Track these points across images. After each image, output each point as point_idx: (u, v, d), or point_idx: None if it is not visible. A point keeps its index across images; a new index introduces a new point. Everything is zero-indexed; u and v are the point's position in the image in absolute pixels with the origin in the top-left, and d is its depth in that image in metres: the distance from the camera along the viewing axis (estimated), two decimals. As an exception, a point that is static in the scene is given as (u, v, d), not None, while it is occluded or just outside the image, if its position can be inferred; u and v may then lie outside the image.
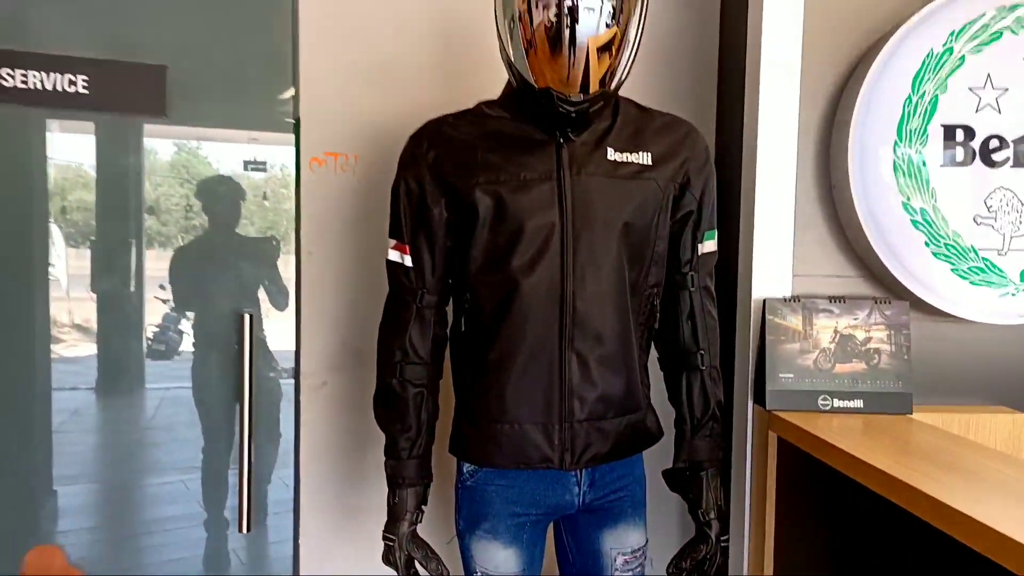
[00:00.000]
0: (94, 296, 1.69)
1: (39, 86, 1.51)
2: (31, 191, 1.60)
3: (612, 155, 1.33)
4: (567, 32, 1.20)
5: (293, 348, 1.74)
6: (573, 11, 1.19)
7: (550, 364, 1.32)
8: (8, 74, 1.48)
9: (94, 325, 1.70)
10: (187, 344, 1.76)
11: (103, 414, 1.78)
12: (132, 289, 1.72)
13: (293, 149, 1.70)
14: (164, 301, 1.82)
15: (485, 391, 1.35)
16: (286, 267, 1.75)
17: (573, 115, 1.26)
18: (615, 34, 1.24)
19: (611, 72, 1.26)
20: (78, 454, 1.77)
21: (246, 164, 1.77)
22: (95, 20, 1.57)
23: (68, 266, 1.69)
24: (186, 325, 1.79)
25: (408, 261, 1.39)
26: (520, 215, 1.30)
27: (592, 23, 1.21)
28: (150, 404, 1.82)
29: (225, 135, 1.74)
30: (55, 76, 1.51)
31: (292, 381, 1.76)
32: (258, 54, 1.68)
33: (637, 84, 1.41)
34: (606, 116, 1.36)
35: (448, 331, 1.45)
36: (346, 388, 1.76)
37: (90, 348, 1.72)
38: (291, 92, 1.69)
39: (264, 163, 1.76)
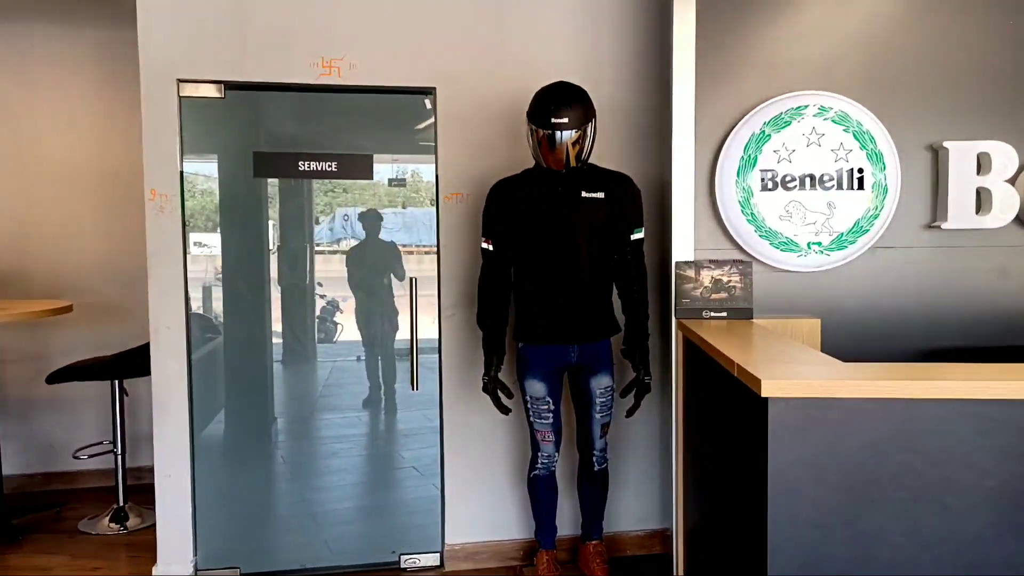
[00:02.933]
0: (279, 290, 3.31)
1: (315, 168, 3.15)
2: (303, 216, 3.25)
3: (584, 194, 2.83)
4: (556, 139, 2.70)
5: (436, 293, 3.31)
6: (556, 131, 2.69)
7: (558, 294, 2.82)
8: (302, 163, 3.13)
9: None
10: (343, 335, 3.31)
11: (288, 378, 3.36)
12: (308, 282, 3.31)
13: (432, 175, 3.27)
14: (322, 296, 3.38)
15: (527, 308, 2.88)
16: (423, 259, 3.31)
17: (562, 177, 2.77)
18: (579, 135, 2.73)
19: (580, 154, 2.76)
20: (277, 400, 3.35)
21: (390, 181, 3.35)
22: (334, 135, 3.19)
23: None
24: (340, 317, 3.35)
25: (491, 247, 2.93)
26: (540, 226, 2.81)
27: (567, 133, 2.71)
28: (322, 373, 3.37)
29: (377, 158, 3.31)
30: (324, 163, 3.15)
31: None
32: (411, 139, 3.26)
33: (615, 146, 2.89)
34: (582, 176, 2.85)
35: (511, 282, 2.98)
36: (465, 316, 3.31)
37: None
38: (428, 123, 3.25)
39: (404, 180, 3.34)
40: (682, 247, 3.00)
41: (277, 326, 3.28)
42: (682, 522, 3.00)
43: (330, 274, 3.34)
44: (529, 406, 2.93)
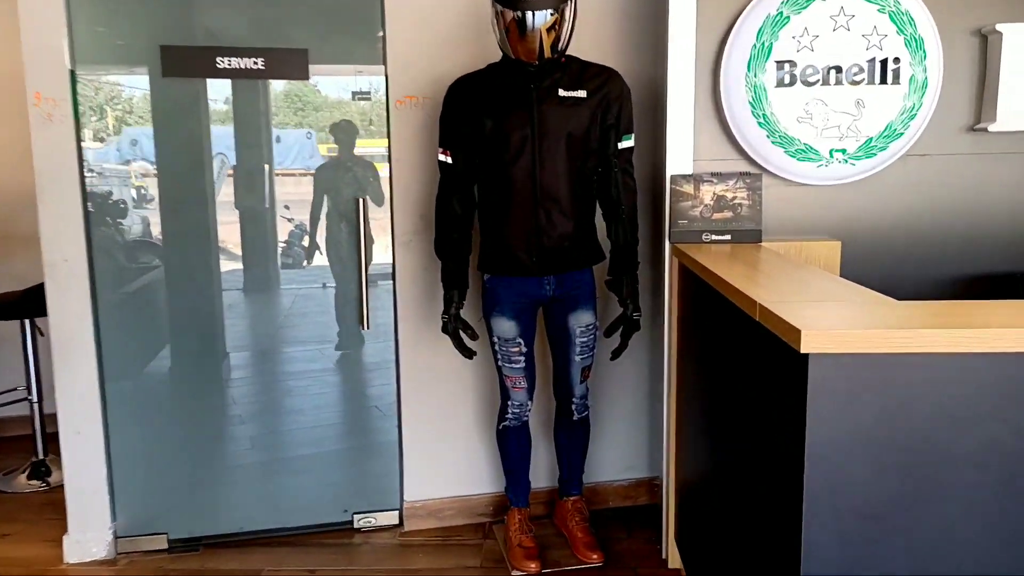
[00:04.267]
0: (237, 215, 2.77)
1: (238, 66, 2.60)
2: (201, 133, 2.70)
3: (562, 93, 2.31)
4: (527, 23, 2.17)
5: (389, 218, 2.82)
6: (527, 11, 2.15)
7: (528, 215, 2.34)
8: (220, 60, 2.58)
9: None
10: (316, 259, 2.83)
11: (250, 308, 2.88)
12: (267, 206, 2.79)
13: (381, 84, 2.73)
14: (289, 220, 2.86)
15: (494, 232, 2.40)
16: (384, 171, 2.82)
17: (534, 72, 2.25)
18: (555, 18, 2.19)
19: (556, 43, 2.23)
20: (236, 333, 2.87)
21: (354, 95, 2.82)
22: (262, 25, 2.63)
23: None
24: (307, 241, 2.83)
25: (450, 160, 2.43)
26: (507, 131, 2.31)
27: (541, 15, 2.17)
28: (286, 301, 2.89)
29: (336, 70, 2.77)
30: (246, 60, 2.60)
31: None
32: (359, 32, 2.71)
33: (606, 40, 2.36)
34: (559, 69, 2.33)
35: (475, 200, 2.49)
36: (422, 243, 2.83)
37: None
38: (381, 33, 2.69)
39: (368, 92, 2.81)
40: (678, 158, 2.51)
41: (235, 252, 2.82)
42: (673, 473, 2.61)
43: (301, 196, 2.86)
44: (497, 348, 2.49)
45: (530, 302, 2.46)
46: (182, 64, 2.58)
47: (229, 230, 2.81)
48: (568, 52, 2.33)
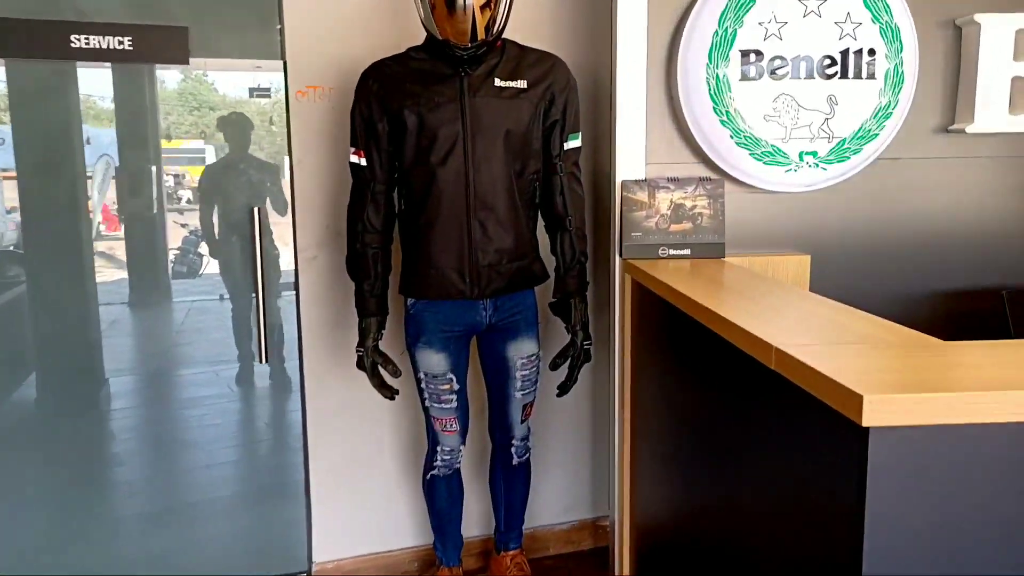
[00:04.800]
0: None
1: (98, 45, 2.11)
2: (70, 127, 2.20)
3: (498, 83, 1.94)
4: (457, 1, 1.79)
5: (291, 230, 2.39)
6: None
7: (460, 227, 1.96)
8: (76, 38, 2.09)
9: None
10: (209, 267, 2.37)
11: (139, 323, 2.41)
12: (155, 211, 2.32)
13: (269, 76, 2.30)
14: (183, 226, 2.40)
15: (418, 248, 2.00)
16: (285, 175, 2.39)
17: (466, 57, 1.87)
18: (491, -2, 1.83)
19: (493, 21, 1.86)
20: (119, 353, 2.38)
21: (251, 91, 2.37)
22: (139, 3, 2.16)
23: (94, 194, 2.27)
24: (204, 248, 2.40)
25: (363, 162, 2.02)
26: (434, 126, 1.92)
27: (474, -9, 1.80)
28: (178, 315, 2.41)
29: (231, 64, 2.32)
30: (109, 39, 2.12)
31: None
32: (253, 10, 2.27)
33: (538, 22, 1.99)
34: (495, 55, 1.96)
35: (395, 210, 2.09)
36: (330, 259, 2.41)
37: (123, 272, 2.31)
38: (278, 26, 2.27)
39: (268, 89, 2.37)
40: (629, 161, 2.18)
41: (119, 261, 2.33)
42: (628, 513, 2.28)
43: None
44: (424, 386, 2.10)
45: (463, 330, 2.08)
46: (23, 41, 2.08)
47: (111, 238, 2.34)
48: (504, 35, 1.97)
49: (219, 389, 2.52)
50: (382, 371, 2.11)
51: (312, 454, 2.46)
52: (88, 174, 2.24)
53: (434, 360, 2.06)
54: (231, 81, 2.32)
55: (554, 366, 2.13)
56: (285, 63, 2.28)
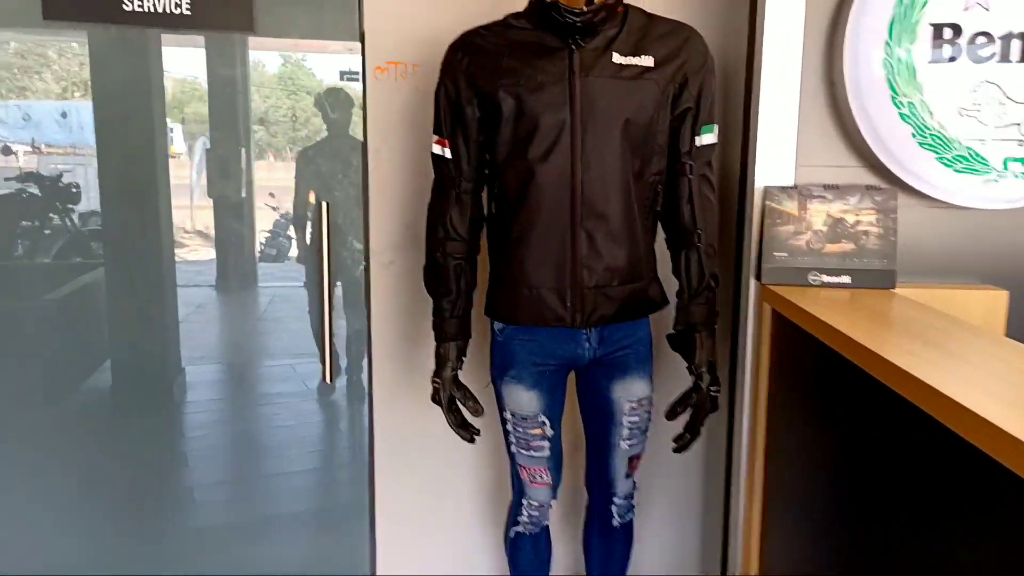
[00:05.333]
0: (211, 203, 2.00)
1: (152, 9, 1.82)
2: (152, 105, 1.94)
3: (617, 59, 1.55)
4: (572, -49, 1.41)
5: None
6: None
7: (562, 238, 1.58)
8: (128, 1, 1.81)
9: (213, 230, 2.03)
10: (295, 249, 2.09)
11: (222, 308, 2.15)
12: (244, 195, 2.03)
13: (359, 58, 1.97)
14: (274, 208, 2.12)
15: (510, 261, 1.63)
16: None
17: (579, 24, 1.48)
18: (616, -50, 1.44)
19: None
20: (204, 339, 2.14)
21: (342, 75, 2.05)
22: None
23: (192, 175, 2.02)
24: (293, 231, 2.13)
25: (448, 153, 1.66)
26: (536, 112, 1.54)
27: (594, -58, 1.42)
28: (262, 300, 2.15)
29: (324, 46, 2.01)
30: (164, 1, 1.82)
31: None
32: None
33: None
34: (614, 24, 1.56)
35: (483, 213, 1.73)
36: (409, 264, 2.07)
37: (210, 252, 2.04)
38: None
39: (358, 73, 2.04)
40: (774, 163, 1.75)
41: (202, 246, 2.08)
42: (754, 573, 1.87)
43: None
44: (510, 427, 1.73)
45: (560, 364, 1.69)
46: (69, 4, 1.80)
47: (202, 220, 2.10)
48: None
49: (295, 386, 2.22)
50: (461, 407, 1.75)
51: (380, 481, 2.14)
52: (172, 154, 2.00)
53: (524, 398, 1.68)
54: (323, 63, 2.01)
55: (672, 415, 1.72)
56: (363, 34, 1.95)
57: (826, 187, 1.70)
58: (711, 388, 1.68)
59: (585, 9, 1.45)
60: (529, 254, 1.60)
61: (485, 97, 1.59)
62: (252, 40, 1.92)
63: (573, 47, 1.54)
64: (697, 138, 1.62)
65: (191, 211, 2.05)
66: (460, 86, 1.62)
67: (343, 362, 2.09)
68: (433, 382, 1.74)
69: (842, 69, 1.66)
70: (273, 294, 2.22)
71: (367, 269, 2.07)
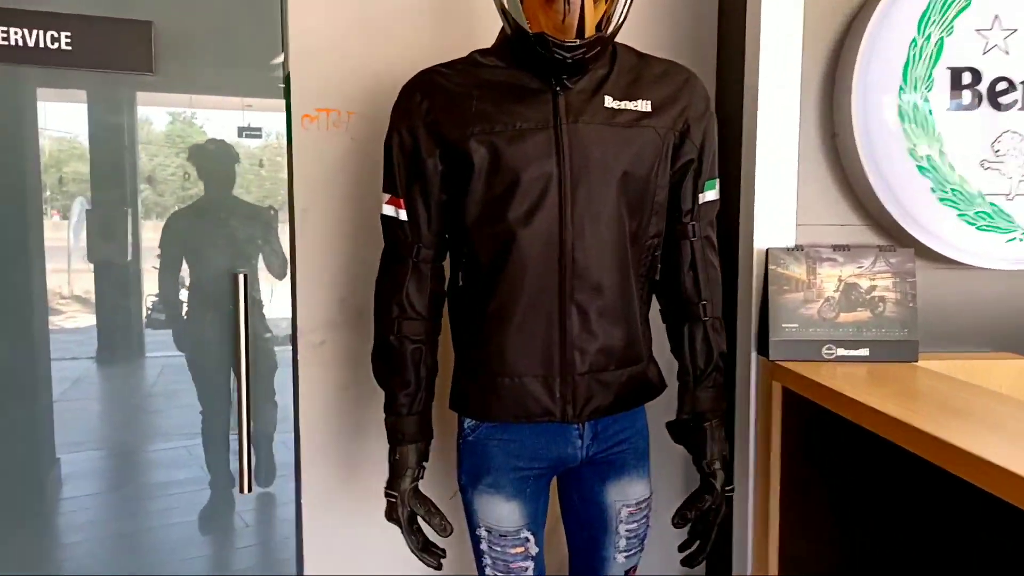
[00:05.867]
0: (91, 267, 1.68)
1: (20, 43, 1.47)
2: (24, 162, 1.57)
3: (610, 103, 1.30)
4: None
5: (290, 306, 1.72)
6: None
7: (549, 316, 1.30)
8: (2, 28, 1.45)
9: (93, 296, 1.69)
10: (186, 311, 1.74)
11: (104, 383, 1.78)
12: (130, 259, 1.71)
13: (283, 103, 1.66)
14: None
15: (484, 344, 1.33)
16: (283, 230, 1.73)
17: (569, 61, 1.23)
18: (612, -24, 1.21)
19: (607, 16, 1.24)
20: (81, 421, 1.75)
21: (240, 131, 1.73)
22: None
23: (69, 237, 1.66)
24: (184, 294, 1.78)
25: (403, 215, 1.36)
26: (516, 165, 1.27)
27: (588, -36, 1.18)
28: (151, 372, 1.81)
29: (219, 102, 1.70)
30: (37, 32, 1.47)
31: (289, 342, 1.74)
32: (246, 5, 1.63)
33: (631, 27, 1.36)
34: (603, 63, 1.32)
35: (446, 286, 1.43)
36: (345, 346, 1.74)
37: (90, 319, 1.71)
38: (282, 57, 1.64)
39: (259, 129, 1.73)
40: (774, 223, 1.55)
41: (80, 312, 1.67)
42: None
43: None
44: (485, 546, 1.40)
45: (547, 467, 1.40)
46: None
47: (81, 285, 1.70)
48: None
49: (191, 472, 1.83)
50: (421, 524, 1.42)
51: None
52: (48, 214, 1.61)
53: (503, 511, 1.37)
54: (218, 120, 1.68)
55: (681, 521, 1.44)
56: (287, 76, 1.65)
57: (835, 248, 1.50)
58: (726, 489, 1.42)
59: (579, 42, 1.20)
60: (509, 335, 1.31)
61: (451, 148, 1.31)
62: (140, 95, 1.60)
63: (558, 88, 1.28)
64: (700, 195, 1.39)
65: (68, 275, 1.69)
66: (418, 135, 1.33)
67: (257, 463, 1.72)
68: (388, 496, 1.41)
69: (849, 117, 1.48)
70: (163, 364, 1.82)
71: (295, 352, 1.72)
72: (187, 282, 1.70)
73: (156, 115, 1.67)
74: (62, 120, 1.60)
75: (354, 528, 1.77)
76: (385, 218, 1.39)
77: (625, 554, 1.46)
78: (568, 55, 1.22)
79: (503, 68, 1.32)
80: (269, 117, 1.69)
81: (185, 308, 1.70)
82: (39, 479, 1.68)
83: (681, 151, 1.36)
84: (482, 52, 1.36)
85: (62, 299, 1.67)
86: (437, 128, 1.31)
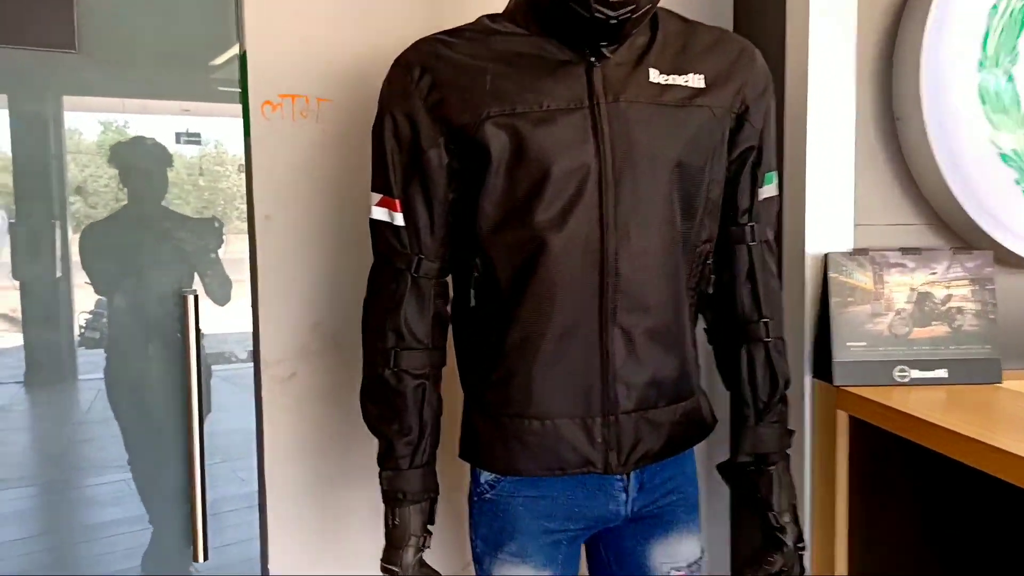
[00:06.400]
0: (17, 284, 1.39)
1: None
2: None
3: (655, 77, 1.05)
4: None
5: (251, 333, 1.43)
6: None
7: (587, 342, 1.04)
8: None
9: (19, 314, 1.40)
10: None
11: (33, 409, 1.48)
12: (59, 275, 1.42)
13: (238, 90, 1.38)
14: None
15: (505, 381, 1.07)
16: (234, 242, 1.45)
17: (613, 22, 0.98)
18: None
19: None
20: (7, 455, 1.46)
21: (178, 136, 1.45)
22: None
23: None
24: (116, 318, 1.49)
25: (399, 220, 1.09)
26: (545, 155, 1.01)
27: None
28: (84, 396, 1.51)
29: (154, 106, 1.41)
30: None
31: (251, 373, 1.46)
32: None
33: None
34: (643, 30, 1.08)
35: (451, 307, 1.16)
36: (319, 379, 1.46)
37: (16, 339, 1.42)
38: (232, 52, 1.36)
39: (198, 135, 1.45)
40: (829, 224, 1.32)
41: (7, 331, 1.40)
42: None
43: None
44: (506, 629, 1.14)
45: (584, 528, 1.14)
46: None
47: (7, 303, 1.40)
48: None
49: (133, 510, 1.53)
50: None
51: None
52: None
53: (530, 585, 1.11)
54: (153, 125, 1.40)
55: (743, 586, 1.19)
56: (243, 55, 1.36)
57: (904, 251, 1.28)
58: (798, 546, 1.17)
59: (612, 16, 0.95)
60: (537, 368, 1.05)
61: (460, 135, 1.04)
62: (67, 100, 1.32)
63: (593, 59, 1.03)
64: (759, 190, 1.15)
65: None
66: (418, 120, 1.06)
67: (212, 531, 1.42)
68: (386, 571, 1.12)
69: (916, 99, 1.26)
70: (99, 388, 1.55)
71: (257, 387, 1.43)
72: (119, 304, 1.40)
73: (86, 122, 1.39)
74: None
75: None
76: (376, 223, 1.11)
77: (672, 628, 1.20)
78: (613, 14, 0.96)
79: (523, 35, 1.06)
80: (211, 122, 1.42)
81: (115, 337, 1.40)
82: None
83: (739, 137, 1.12)
84: (493, 17, 1.10)
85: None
86: (442, 111, 1.04)
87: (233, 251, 1.45)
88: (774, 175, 1.17)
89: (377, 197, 1.10)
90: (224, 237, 1.44)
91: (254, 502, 1.44)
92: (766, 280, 1.17)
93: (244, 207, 1.43)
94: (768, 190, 1.16)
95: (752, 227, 1.15)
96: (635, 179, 1.02)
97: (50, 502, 1.51)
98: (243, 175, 1.42)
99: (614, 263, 1.03)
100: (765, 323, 1.16)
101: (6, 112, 1.33)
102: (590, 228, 1.02)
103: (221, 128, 1.42)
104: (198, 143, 1.46)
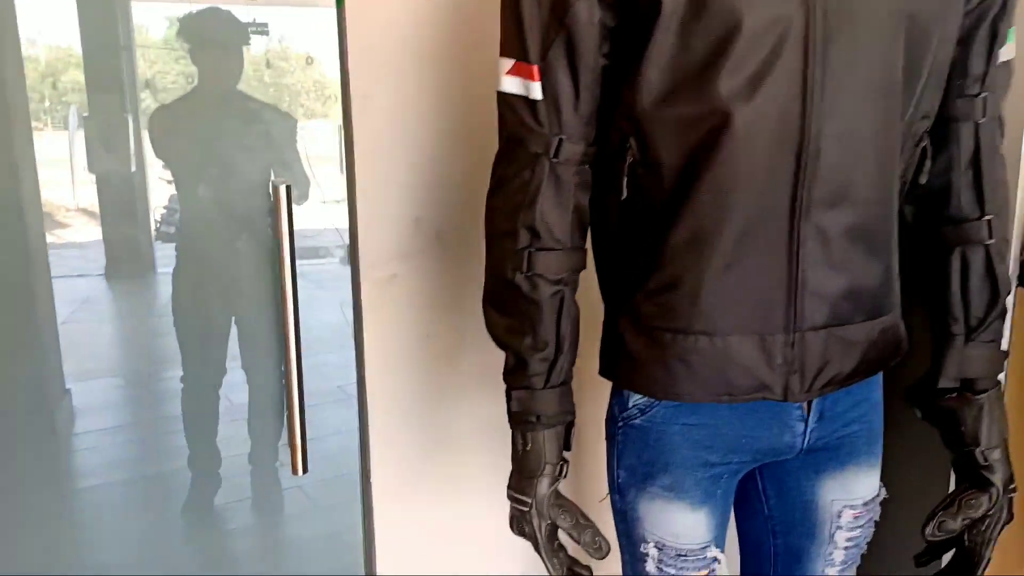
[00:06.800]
0: (93, 178, 1.32)
1: None
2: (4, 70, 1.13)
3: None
4: None
5: (346, 229, 1.27)
6: None
7: (773, 243, 0.84)
8: None
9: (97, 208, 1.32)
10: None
11: (115, 302, 1.44)
12: (134, 169, 1.34)
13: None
14: (169, 181, 1.39)
15: (667, 289, 0.88)
16: (323, 128, 1.28)
17: None
18: None
19: None
20: (93, 345, 1.42)
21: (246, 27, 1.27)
22: None
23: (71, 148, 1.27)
24: (200, 210, 1.36)
25: (536, 92, 0.88)
26: (733, 4, 0.78)
27: None
28: (164, 290, 1.43)
29: None
30: None
31: (339, 273, 1.31)
32: None
33: None
34: None
35: (594, 211, 0.97)
36: (423, 282, 1.30)
37: (96, 232, 1.35)
38: None
39: (266, 24, 1.26)
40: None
41: (87, 225, 1.34)
42: None
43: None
44: (653, 568, 0.98)
45: (749, 460, 0.96)
46: None
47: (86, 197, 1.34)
48: None
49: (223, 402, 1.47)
50: (566, 537, 1.00)
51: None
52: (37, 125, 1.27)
53: (686, 523, 0.95)
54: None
55: (939, 533, 1.01)
56: None
57: None
58: (1009, 488, 0.98)
59: None
60: (709, 274, 0.85)
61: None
62: None
63: None
64: (999, 51, 0.91)
65: (72, 187, 1.36)
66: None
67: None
68: (514, 502, 0.97)
69: None
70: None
71: (356, 291, 1.28)
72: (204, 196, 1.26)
73: (153, 16, 1.24)
74: (50, 25, 1.18)
75: (431, 523, 1.37)
76: (505, 97, 0.90)
77: (840, 568, 1.04)
78: None
79: None
80: (278, 12, 1.22)
81: (198, 231, 1.27)
82: (47, 413, 1.35)
83: (976, -12, 0.87)
84: None
85: (67, 212, 1.37)
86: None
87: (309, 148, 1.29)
88: (1013, 32, 0.91)
89: (508, 64, 0.89)
90: (299, 134, 1.28)
91: (353, 424, 1.31)
92: (992, 168, 0.93)
93: (310, 104, 1.26)
94: (1008, 50, 0.91)
95: (984, 98, 0.91)
96: (853, 37, 0.79)
97: (135, 395, 1.46)
98: (309, 68, 1.23)
99: (815, 145, 0.81)
100: (988, 221, 0.94)
101: (75, 6, 1.20)
102: (788, 99, 0.80)
103: (287, 20, 1.24)
104: (266, 33, 1.28)
